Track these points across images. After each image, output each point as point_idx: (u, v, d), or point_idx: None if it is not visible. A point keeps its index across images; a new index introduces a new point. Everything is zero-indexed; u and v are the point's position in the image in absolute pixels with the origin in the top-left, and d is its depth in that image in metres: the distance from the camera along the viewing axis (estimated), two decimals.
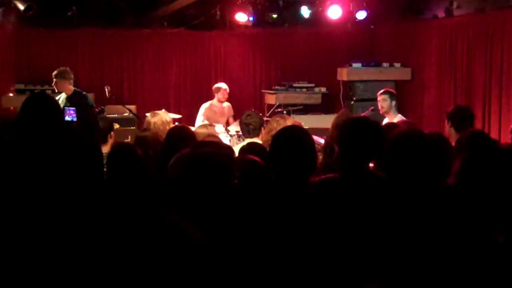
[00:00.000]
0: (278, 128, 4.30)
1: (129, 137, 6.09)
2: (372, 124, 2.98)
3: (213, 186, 2.13)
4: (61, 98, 6.95)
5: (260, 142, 4.74)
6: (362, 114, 6.58)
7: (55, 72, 6.97)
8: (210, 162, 2.14)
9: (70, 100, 6.86)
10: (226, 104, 8.44)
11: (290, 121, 4.69)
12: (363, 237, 2.36)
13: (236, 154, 3.58)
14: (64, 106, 4.38)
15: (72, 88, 6.99)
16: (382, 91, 6.48)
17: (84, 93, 7.10)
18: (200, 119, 8.12)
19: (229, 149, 3.23)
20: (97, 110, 6.52)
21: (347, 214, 2.52)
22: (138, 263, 1.55)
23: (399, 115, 6.33)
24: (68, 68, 7.10)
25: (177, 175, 2.18)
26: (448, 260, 2.04)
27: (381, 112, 6.37)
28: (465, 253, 2.02)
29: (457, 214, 2.13)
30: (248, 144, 3.99)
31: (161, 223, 1.58)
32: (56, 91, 7.03)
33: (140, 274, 1.54)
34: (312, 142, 2.72)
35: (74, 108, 4.30)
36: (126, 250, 1.78)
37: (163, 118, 5.32)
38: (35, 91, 8.67)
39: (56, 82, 6.94)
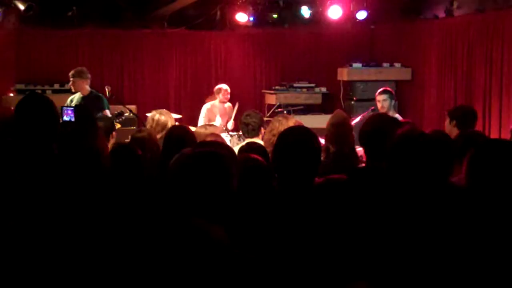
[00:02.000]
0: (281, 128, 4.29)
1: (129, 137, 6.08)
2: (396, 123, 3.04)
3: (213, 186, 2.12)
4: (76, 97, 6.95)
5: (260, 141, 4.74)
6: (362, 114, 6.57)
7: (72, 72, 6.98)
8: (211, 161, 2.13)
9: (85, 101, 6.86)
10: (228, 105, 8.46)
11: (292, 121, 4.67)
12: (374, 238, 2.35)
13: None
14: (62, 106, 4.36)
15: (88, 88, 6.99)
16: (381, 90, 6.43)
17: (100, 95, 7.10)
18: (202, 120, 8.14)
19: (230, 149, 3.22)
20: (115, 113, 6.50)
21: (357, 214, 2.50)
22: (145, 263, 1.55)
23: (397, 115, 6.27)
24: (85, 68, 7.10)
25: (178, 175, 2.18)
26: (462, 260, 2.04)
27: (381, 111, 6.31)
28: (480, 252, 2.02)
29: (472, 213, 2.13)
30: (247, 144, 3.98)
31: (180, 225, 1.57)
32: (73, 90, 7.02)
33: (147, 274, 1.54)
34: (319, 142, 2.71)
35: (72, 108, 4.29)
36: (129, 251, 1.77)
37: (172, 117, 5.41)
38: (35, 91, 8.67)
39: (73, 81, 6.94)
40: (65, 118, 4.44)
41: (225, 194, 2.09)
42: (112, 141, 4.69)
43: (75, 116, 4.34)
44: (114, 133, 4.80)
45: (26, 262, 2.11)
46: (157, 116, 5.35)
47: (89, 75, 7.01)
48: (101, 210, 2.52)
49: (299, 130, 2.88)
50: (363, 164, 4.43)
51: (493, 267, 2.01)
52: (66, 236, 2.25)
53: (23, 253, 2.12)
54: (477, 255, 2.05)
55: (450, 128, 4.81)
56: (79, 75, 6.92)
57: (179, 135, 3.99)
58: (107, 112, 6.80)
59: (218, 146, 2.96)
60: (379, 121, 3.31)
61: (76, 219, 2.36)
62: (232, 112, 8.43)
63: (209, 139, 3.85)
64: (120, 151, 3.39)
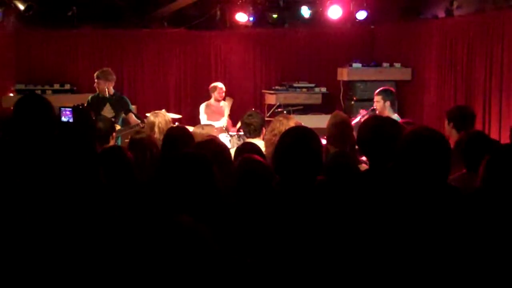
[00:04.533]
0: (282, 128, 4.30)
1: (129, 137, 6.09)
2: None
3: (194, 185, 2.12)
4: (96, 96, 6.93)
5: (262, 142, 4.74)
6: (362, 114, 6.56)
7: (97, 73, 6.95)
8: (199, 162, 2.14)
9: (111, 102, 6.85)
10: (224, 103, 8.46)
11: (293, 121, 4.67)
12: (375, 239, 2.34)
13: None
14: (60, 107, 4.32)
15: (112, 90, 6.98)
16: (377, 91, 6.35)
17: (125, 97, 7.09)
18: (203, 119, 8.15)
19: (225, 148, 3.23)
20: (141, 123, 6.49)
21: (358, 214, 2.50)
22: (141, 264, 1.54)
23: (396, 115, 6.21)
24: (110, 69, 7.07)
25: (167, 177, 2.18)
26: (478, 260, 2.04)
27: (376, 112, 6.29)
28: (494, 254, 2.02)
29: (486, 215, 2.13)
30: (243, 144, 3.99)
31: (173, 225, 1.57)
32: (97, 91, 6.99)
33: (143, 274, 1.54)
34: (320, 142, 2.71)
35: (70, 108, 4.25)
36: (123, 252, 1.77)
37: (166, 118, 5.38)
38: (35, 91, 8.67)
39: (97, 83, 6.91)
40: (63, 119, 4.41)
41: (207, 192, 2.08)
42: (112, 142, 4.69)
43: (74, 117, 4.32)
44: (114, 134, 4.81)
45: (24, 262, 2.11)
46: (148, 117, 5.46)
47: (114, 77, 6.98)
48: (93, 209, 2.52)
49: (301, 130, 2.86)
50: (364, 165, 4.43)
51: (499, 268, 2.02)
52: (59, 237, 2.25)
53: (21, 253, 2.13)
54: (487, 259, 2.05)
55: (450, 129, 4.80)
56: (104, 76, 6.89)
57: (176, 136, 4.01)
58: (133, 116, 6.80)
59: (213, 146, 2.98)
60: (374, 125, 3.23)
61: (68, 220, 2.35)
62: (228, 111, 8.43)
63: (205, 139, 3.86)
64: (107, 153, 3.39)
